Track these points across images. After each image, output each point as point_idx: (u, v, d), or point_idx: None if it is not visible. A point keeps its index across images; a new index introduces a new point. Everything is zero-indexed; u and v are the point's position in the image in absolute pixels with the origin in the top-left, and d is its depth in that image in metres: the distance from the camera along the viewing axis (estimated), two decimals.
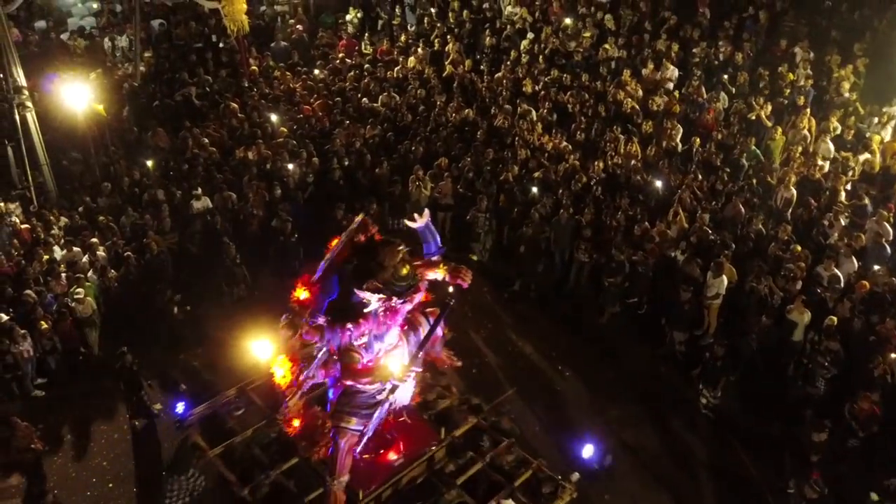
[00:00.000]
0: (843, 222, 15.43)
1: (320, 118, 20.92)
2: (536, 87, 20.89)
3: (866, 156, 17.07)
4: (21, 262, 15.51)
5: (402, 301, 9.10)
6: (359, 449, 9.81)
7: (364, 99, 21.67)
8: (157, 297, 15.49)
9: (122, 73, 23.83)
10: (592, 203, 16.52)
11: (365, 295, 8.80)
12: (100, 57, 24.80)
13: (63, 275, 15.31)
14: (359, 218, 9.56)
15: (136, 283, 15.67)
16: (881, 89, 18.66)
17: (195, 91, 22.33)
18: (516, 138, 18.94)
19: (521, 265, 16.72)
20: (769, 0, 21.96)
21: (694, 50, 20.93)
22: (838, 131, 17.90)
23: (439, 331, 10.38)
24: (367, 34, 25.72)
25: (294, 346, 9.43)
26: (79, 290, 14.79)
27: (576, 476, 10.80)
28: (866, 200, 15.83)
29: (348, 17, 26.75)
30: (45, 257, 15.70)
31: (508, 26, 24.08)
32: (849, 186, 16.56)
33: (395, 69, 23.23)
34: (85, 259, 15.85)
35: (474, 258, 17.10)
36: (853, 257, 14.59)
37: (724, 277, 14.35)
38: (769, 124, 18.30)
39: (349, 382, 9.37)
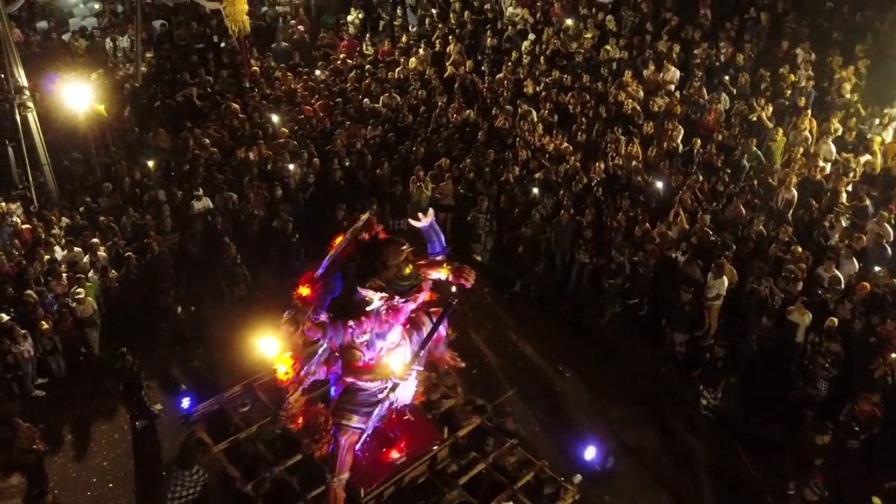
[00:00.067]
0: (843, 224, 15.41)
1: (321, 119, 20.92)
2: (537, 88, 20.88)
3: (867, 157, 17.05)
4: (22, 262, 15.52)
5: (404, 300, 9.13)
6: (358, 446, 9.82)
7: (365, 100, 21.66)
8: (161, 296, 15.49)
9: (124, 73, 23.83)
10: (593, 204, 16.50)
11: (367, 293, 8.82)
12: (101, 57, 24.78)
13: (64, 275, 15.32)
14: (364, 216, 9.60)
15: (137, 284, 15.68)
16: (882, 91, 18.66)
17: (196, 91, 22.32)
18: (517, 139, 18.93)
19: (520, 266, 16.71)
20: (771, 1, 21.95)
21: (695, 51, 20.92)
22: (839, 133, 17.89)
23: (443, 331, 10.43)
24: (368, 35, 25.68)
25: (297, 343, 9.49)
26: (79, 290, 14.80)
27: (578, 478, 10.81)
28: (867, 202, 15.82)
29: (350, 18, 26.74)
30: (46, 257, 15.71)
31: (510, 27, 24.05)
32: (850, 188, 16.54)
33: (397, 70, 23.21)
34: (86, 259, 15.86)
35: (478, 258, 17.09)
36: (854, 258, 14.58)
37: (725, 278, 14.35)
38: (770, 125, 18.29)
39: (350, 380, 9.40)
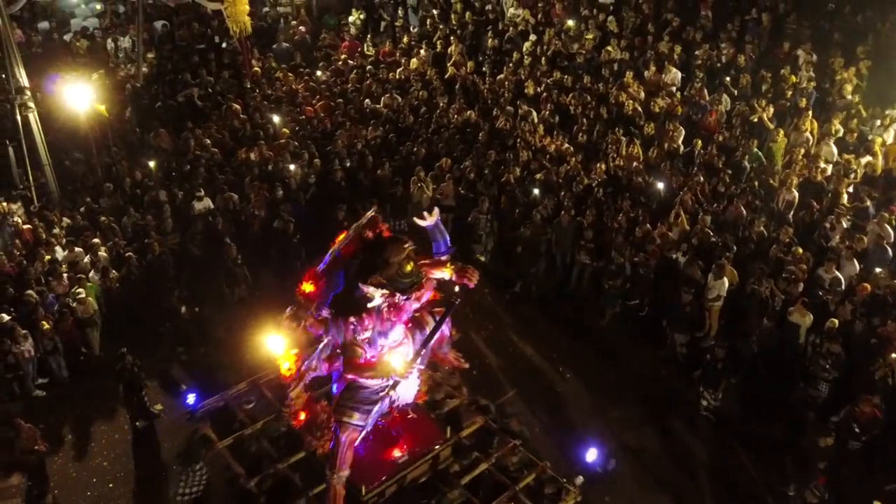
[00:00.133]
0: (844, 225, 15.38)
1: (322, 119, 20.96)
2: (539, 89, 20.89)
3: (868, 158, 17.05)
4: (23, 262, 15.55)
5: (405, 298, 9.17)
6: (357, 443, 9.85)
7: (366, 100, 21.70)
8: (165, 296, 15.47)
9: (125, 73, 23.89)
10: (594, 205, 16.49)
11: (368, 289, 8.90)
12: (102, 58, 24.85)
13: (65, 275, 15.35)
14: (369, 213, 9.62)
15: (138, 284, 15.70)
16: (883, 92, 18.65)
17: (197, 92, 22.38)
18: (518, 140, 18.94)
19: (519, 266, 16.71)
20: (772, 2, 21.93)
21: (696, 52, 20.91)
22: (840, 134, 17.88)
23: (446, 331, 10.51)
24: (369, 36, 25.73)
25: (300, 339, 9.53)
26: (80, 290, 14.82)
27: (580, 479, 10.82)
28: (868, 203, 15.80)
29: (351, 19, 26.78)
30: (47, 257, 15.74)
31: (511, 28, 24.06)
32: (851, 189, 16.52)
33: (398, 71, 23.25)
34: (86, 259, 15.89)
35: (481, 259, 17.07)
36: (855, 260, 14.55)
37: (726, 279, 14.34)
38: (771, 127, 18.29)
39: (350, 377, 9.45)
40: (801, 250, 14.73)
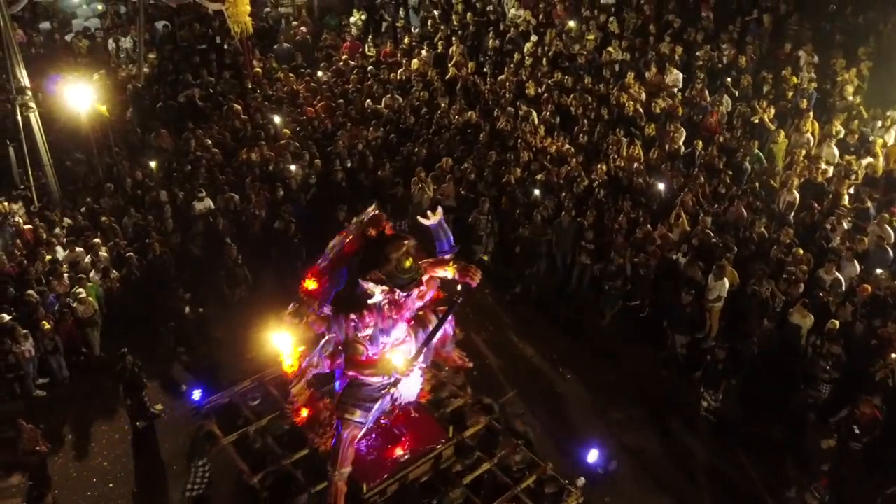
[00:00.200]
0: (845, 226, 15.38)
1: (323, 120, 20.95)
2: (539, 90, 20.88)
3: (869, 159, 17.06)
4: (23, 262, 15.54)
5: (405, 294, 9.20)
6: (357, 440, 9.86)
7: (367, 101, 21.70)
8: (170, 297, 15.48)
9: (126, 74, 23.91)
10: (594, 206, 16.49)
11: (368, 286, 8.95)
12: (104, 58, 24.87)
13: (65, 275, 15.36)
14: (370, 209, 9.64)
15: (138, 284, 15.70)
16: (885, 93, 18.65)
17: (198, 92, 22.38)
18: (519, 141, 18.93)
19: (518, 267, 16.70)
20: (773, 3, 21.93)
21: (697, 53, 20.92)
22: (841, 135, 17.87)
23: (450, 330, 10.55)
24: (370, 36, 25.72)
25: (303, 336, 9.59)
26: (80, 290, 14.81)
27: (581, 481, 10.81)
28: (869, 204, 15.80)
29: (352, 20, 26.79)
30: (48, 257, 15.74)
31: (512, 29, 24.07)
32: (852, 190, 16.51)
33: (399, 71, 23.24)
34: (87, 259, 15.89)
35: (485, 258, 17.04)
36: (855, 261, 14.54)
37: (726, 280, 14.33)
38: (772, 128, 18.29)
39: (352, 374, 9.48)
40: (801, 251, 14.74)
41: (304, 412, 10.23)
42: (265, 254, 16.69)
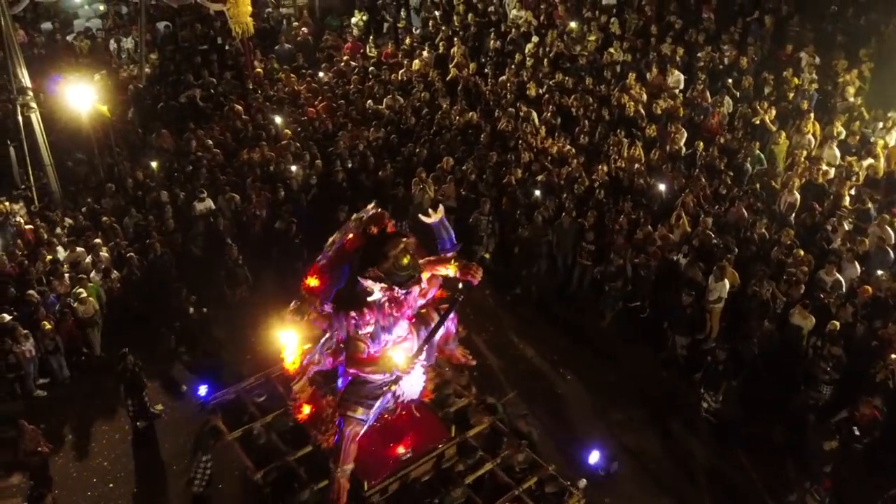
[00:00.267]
0: (846, 227, 15.37)
1: (324, 120, 20.97)
2: (541, 91, 20.89)
3: (870, 161, 17.04)
4: (24, 262, 15.54)
5: (404, 291, 9.23)
6: (359, 437, 9.88)
7: (368, 101, 21.70)
8: (174, 297, 15.48)
9: (128, 74, 23.96)
10: (595, 207, 16.48)
11: (367, 283, 8.98)
12: (105, 58, 24.93)
13: (66, 275, 15.36)
14: (369, 207, 9.66)
15: (139, 284, 15.70)
16: (886, 94, 18.65)
17: (200, 93, 22.42)
18: (520, 141, 18.92)
19: (517, 267, 16.71)
20: (775, 5, 21.95)
21: (699, 54, 20.93)
22: (843, 136, 17.87)
23: (452, 327, 10.61)
24: (372, 37, 25.76)
25: (306, 333, 9.69)
26: (81, 290, 14.81)
27: (583, 482, 10.82)
28: (870, 205, 15.78)
29: (353, 20, 26.81)
30: (49, 257, 15.74)
31: (513, 30, 24.10)
32: (853, 191, 16.49)
33: (400, 72, 23.26)
34: (88, 260, 15.89)
35: (486, 256, 16.99)
36: (856, 262, 14.53)
37: (727, 281, 14.32)
38: (773, 129, 18.29)
39: (353, 371, 9.52)
40: (802, 252, 14.73)
41: (307, 409, 10.36)
42: (266, 254, 16.69)
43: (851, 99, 18.76)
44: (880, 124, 18.08)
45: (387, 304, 9.26)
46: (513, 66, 22.42)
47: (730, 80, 19.95)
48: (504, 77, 22.03)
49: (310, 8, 28.06)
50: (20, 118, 18.25)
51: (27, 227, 16.90)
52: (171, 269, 16.04)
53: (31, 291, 14.60)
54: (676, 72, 20.60)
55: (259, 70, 23.75)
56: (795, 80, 19.52)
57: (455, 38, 23.99)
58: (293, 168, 18.45)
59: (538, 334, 15.69)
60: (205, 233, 16.98)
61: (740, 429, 13.20)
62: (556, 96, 20.48)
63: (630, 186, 17.22)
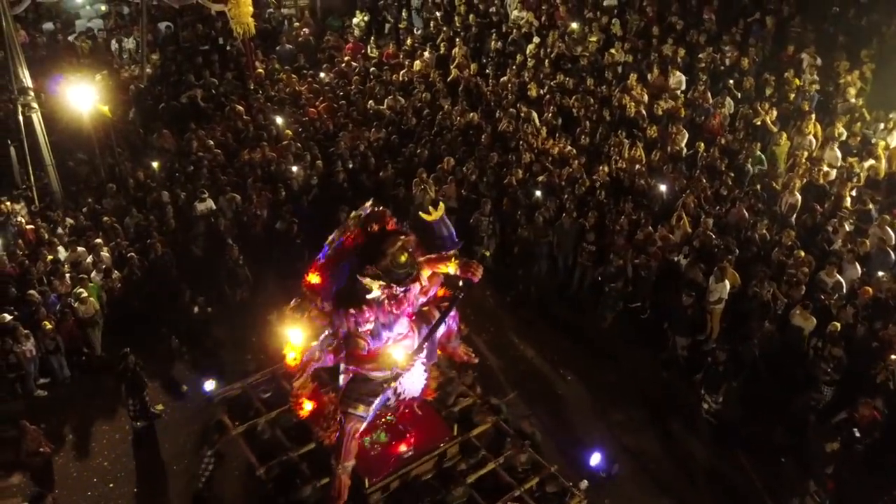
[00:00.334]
0: (847, 228, 15.35)
1: (325, 121, 20.97)
2: (542, 92, 20.88)
3: (871, 162, 17.03)
4: (25, 262, 15.55)
5: (402, 289, 9.26)
6: (360, 434, 9.89)
7: (369, 102, 21.71)
8: (179, 297, 15.48)
9: (129, 74, 23.97)
10: (596, 207, 16.48)
11: (366, 280, 9.01)
12: (106, 59, 24.96)
13: (67, 275, 15.36)
14: (367, 204, 9.69)
15: (140, 284, 15.71)
16: (887, 95, 18.60)
17: (201, 93, 22.42)
18: (521, 142, 18.92)
19: (516, 267, 16.70)
20: (776, 5, 21.92)
21: (700, 55, 20.92)
22: (844, 137, 17.86)
23: (454, 325, 10.64)
24: (373, 37, 25.79)
25: (307, 330, 9.69)
26: (82, 290, 14.81)
27: (585, 483, 10.82)
28: (871, 206, 15.76)
29: (355, 21, 26.83)
30: (50, 257, 15.75)
31: (514, 30, 24.10)
32: (854, 192, 16.48)
33: (401, 72, 23.25)
34: (89, 260, 15.89)
35: (487, 254, 16.98)
36: (857, 263, 14.52)
37: (727, 282, 14.30)
38: (775, 130, 18.28)
39: (353, 368, 9.54)
40: (803, 253, 14.72)
41: (309, 405, 10.40)
42: (267, 254, 16.69)
43: (853, 100, 18.73)
44: (881, 125, 18.05)
45: (386, 301, 9.29)
46: (514, 67, 22.42)
47: (731, 81, 19.95)
48: (505, 78, 22.02)
49: (311, 8, 28.08)
50: (21, 118, 18.25)
51: (28, 226, 16.92)
52: (171, 269, 16.05)
53: (31, 291, 14.61)
54: (678, 73, 20.58)
55: (260, 70, 23.76)
56: (797, 81, 19.50)
57: (456, 39, 23.99)
58: (294, 168, 18.46)
59: (538, 335, 15.68)
60: (206, 233, 16.97)
61: (741, 430, 13.18)
62: (557, 97, 20.47)
63: (631, 187, 17.22)
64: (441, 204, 10.08)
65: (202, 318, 15.49)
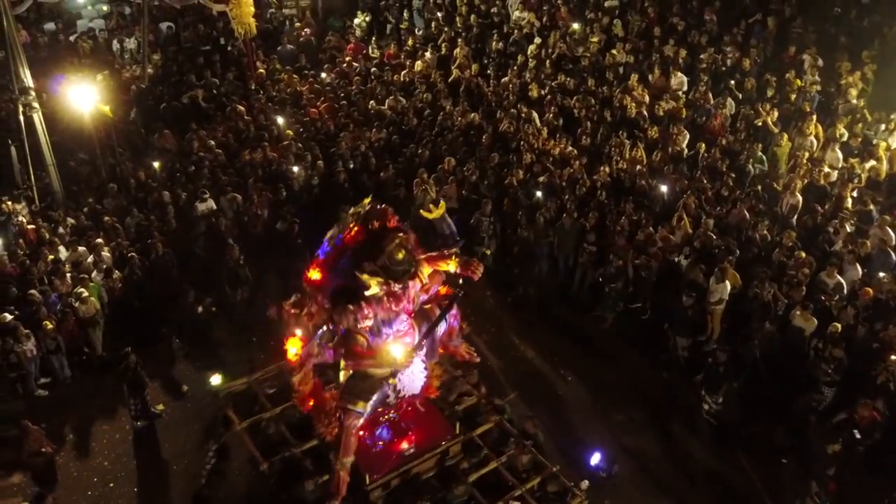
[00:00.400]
0: (848, 229, 15.34)
1: (326, 121, 20.98)
2: (543, 92, 20.89)
3: (872, 163, 17.02)
4: (26, 261, 15.56)
5: (400, 286, 9.27)
6: (360, 430, 9.92)
7: (370, 102, 21.72)
8: (182, 297, 15.48)
9: (130, 75, 24.00)
10: (597, 208, 16.48)
11: (364, 277, 9.05)
12: (107, 59, 25.00)
13: (68, 275, 15.37)
14: (366, 202, 9.70)
15: (141, 284, 15.72)
16: (889, 96, 18.59)
17: (202, 93, 22.43)
18: (522, 142, 18.92)
19: (515, 267, 16.69)
20: (777, 6, 21.91)
21: (701, 56, 20.92)
22: (845, 138, 17.85)
23: (455, 323, 10.64)
24: (374, 38, 25.82)
25: (306, 325, 9.74)
26: (82, 290, 14.81)
27: (585, 484, 10.81)
28: (872, 207, 15.76)
29: (356, 21, 26.86)
30: (51, 257, 15.76)
31: (516, 31, 24.12)
32: (855, 193, 16.47)
33: (402, 73, 23.27)
34: (90, 259, 15.90)
35: (488, 253, 16.98)
36: (857, 264, 14.51)
37: (728, 283, 14.29)
38: (776, 130, 18.27)
39: (352, 364, 9.56)
40: (803, 254, 14.71)
41: (309, 401, 10.39)
42: (267, 254, 16.69)
43: (854, 101, 18.72)
44: (882, 126, 18.05)
45: (386, 298, 9.30)
46: (515, 68, 22.44)
47: (732, 82, 19.95)
48: (506, 78, 22.04)
49: (312, 9, 28.10)
50: (22, 118, 18.25)
51: (29, 226, 16.93)
52: (172, 269, 16.06)
53: (32, 291, 14.62)
54: (679, 73, 20.58)
55: (261, 71, 23.78)
56: (798, 82, 19.49)
57: (458, 40, 24.01)
58: (295, 169, 18.46)
59: (539, 335, 15.67)
60: (207, 233, 16.97)
61: (741, 431, 13.15)
62: (558, 97, 20.48)
63: (632, 188, 17.22)
64: (442, 202, 10.12)
65: (204, 318, 15.49)
